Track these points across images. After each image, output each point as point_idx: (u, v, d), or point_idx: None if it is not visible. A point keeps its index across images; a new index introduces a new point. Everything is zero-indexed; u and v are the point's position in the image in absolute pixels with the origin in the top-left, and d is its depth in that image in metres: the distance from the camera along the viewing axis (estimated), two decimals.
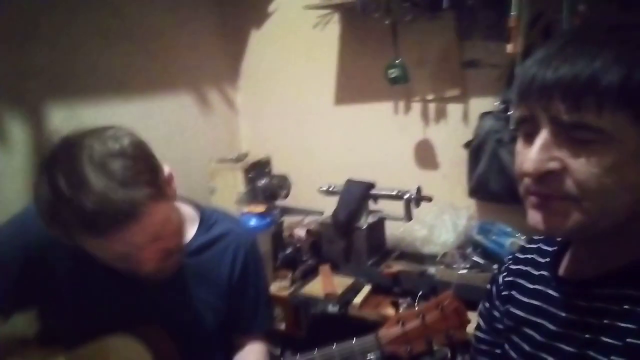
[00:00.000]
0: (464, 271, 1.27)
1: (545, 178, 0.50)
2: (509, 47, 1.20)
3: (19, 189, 1.21)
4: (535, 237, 0.70)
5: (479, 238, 1.36)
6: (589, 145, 0.47)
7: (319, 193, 1.57)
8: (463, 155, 1.51)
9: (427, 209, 1.48)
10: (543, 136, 0.49)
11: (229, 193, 1.63)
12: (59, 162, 0.72)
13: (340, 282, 1.38)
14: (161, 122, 1.67)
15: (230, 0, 1.89)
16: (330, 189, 1.54)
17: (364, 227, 1.45)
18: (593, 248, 0.56)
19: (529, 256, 0.68)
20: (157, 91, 1.66)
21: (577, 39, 0.49)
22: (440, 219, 1.48)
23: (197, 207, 1.00)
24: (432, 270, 1.35)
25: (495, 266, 1.22)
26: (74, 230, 0.72)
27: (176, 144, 1.72)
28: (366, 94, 1.72)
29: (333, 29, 1.72)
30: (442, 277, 1.29)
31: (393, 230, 1.55)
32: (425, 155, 1.66)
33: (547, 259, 0.64)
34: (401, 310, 0.83)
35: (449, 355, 0.80)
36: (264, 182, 1.63)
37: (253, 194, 1.62)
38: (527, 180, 0.52)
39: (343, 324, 1.29)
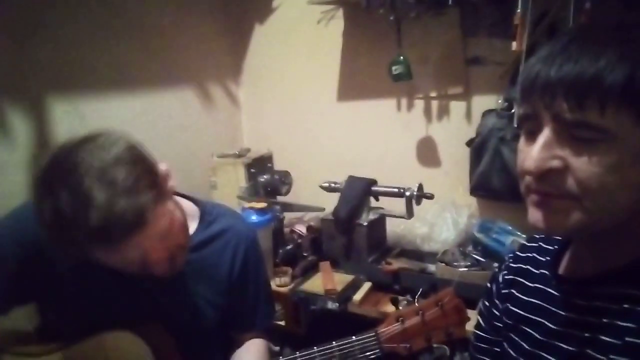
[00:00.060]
0: (464, 269, 1.27)
1: (547, 176, 0.49)
2: (514, 45, 1.19)
3: (20, 182, 1.21)
4: (536, 236, 0.70)
5: (480, 236, 1.36)
6: (591, 144, 0.47)
7: (320, 189, 1.57)
8: (465, 153, 1.50)
9: (428, 207, 1.48)
10: (545, 134, 0.49)
11: (230, 188, 1.63)
12: (55, 181, 0.69)
13: (341, 279, 1.38)
14: (163, 117, 1.67)
15: None
16: (332, 186, 1.54)
17: (365, 224, 1.45)
18: (593, 247, 0.56)
19: (530, 255, 0.68)
20: (159, 86, 1.66)
21: (581, 38, 0.49)
22: (441, 217, 1.48)
23: (197, 202, 1.00)
24: (432, 267, 1.35)
25: (495, 264, 1.22)
26: (84, 245, 0.71)
27: (178, 140, 1.72)
28: (369, 90, 1.72)
29: (337, 25, 1.71)
30: (442, 274, 1.29)
31: (394, 227, 1.55)
32: (427, 153, 1.65)
33: (548, 258, 0.64)
34: (401, 307, 0.83)
35: (448, 353, 0.80)
36: (266, 178, 1.63)
37: (254, 190, 1.62)
38: (528, 178, 0.52)
39: (343, 321, 1.29)
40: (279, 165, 1.76)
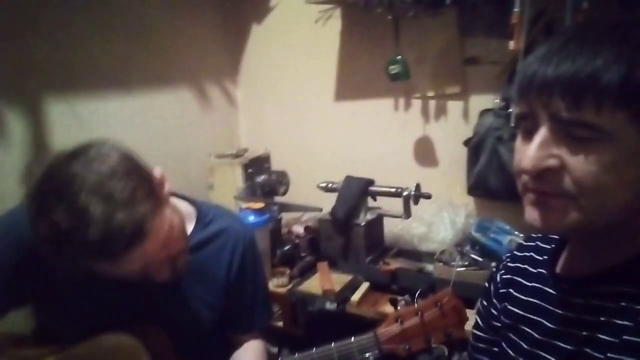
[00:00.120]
0: (462, 269, 1.27)
1: (544, 175, 0.50)
2: (511, 44, 1.19)
3: (16, 183, 1.21)
4: (533, 235, 0.70)
5: (477, 235, 1.36)
6: (587, 143, 0.47)
7: (317, 189, 1.56)
8: (462, 152, 1.50)
9: (426, 206, 1.48)
10: (542, 133, 0.49)
11: (227, 189, 1.63)
12: (50, 197, 0.68)
13: (338, 279, 1.38)
14: (160, 117, 1.67)
15: None
16: (329, 186, 1.54)
17: (363, 224, 1.44)
18: (590, 246, 0.57)
19: (527, 254, 0.68)
20: (157, 86, 1.66)
21: (578, 37, 0.49)
22: (439, 217, 1.48)
23: (194, 203, 0.99)
24: (430, 267, 1.35)
25: (493, 264, 1.22)
26: (84, 260, 0.70)
27: (175, 140, 1.72)
28: (366, 90, 1.72)
29: (334, 24, 1.71)
30: (440, 274, 1.29)
31: (391, 227, 1.55)
32: (425, 152, 1.65)
33: (545, 257, 0.65)
34: (399, 308, 0.83)
35: (446, 353, 0.79)
36: (263, 178, 1.63)
37: (252, 190, 1.61)
38: (525, 177, 0.52)
39: (341, 321, 1.29)
40: (276, 165, 1.75)
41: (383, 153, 1.71)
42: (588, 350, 0.52)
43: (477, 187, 1.46)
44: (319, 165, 1.80)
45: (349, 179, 1.51)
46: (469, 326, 0.79)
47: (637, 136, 0.46)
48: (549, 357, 0.57)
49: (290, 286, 1.41)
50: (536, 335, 0.59)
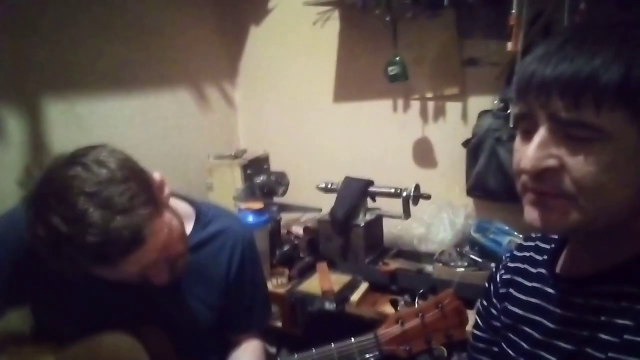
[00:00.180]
0: (462, 269, 1.27)
1: (543, 175, 0.50)
2: (509, 45, 1.20)
3: (15, 183, 1.21)
4: (533, 235, 0.70)
5: (477, 236, 1.36)
6: (586, 143, 0.47)
7: (317, 190, 1.56)
8: (461, 153, 1.50)
9: (425, 207, 1.48)
10: (541, 133, 0.49)
11: (226, 190, 1.63)
12: (49, 201, 0.68)
13: (338, 280, 1.38)
14: (159, 118, 1.66)
15: None
16: (329, 187, 1.54)
17: (362, 224, 1.44)
18: (590, 246, 0.57)
19: (527, 254, 0.68)
20: (156, 87, 1.66)
21: (577, 37, 0.49)
22: (438, 217, 1.48)
23: (193, 203, 0.99)
24: (429, 268, 1.35)
25: (492, 265, 1.22)
26: (82, 264, 0.70)
27: (174, 141, 1.72)
28: (365, 91, 1.72)
29: (332, 26, 1.71)
30: (439, 275, 1.29)
31: (390, 228, 1.55)
32: (424, 154, 1.65)
33: (545, 257, 0.65)
34: (400, 309, 0.83)
35: (445, 354, 0.79)
36: (262, 179, 1.62)
37: (250, 191, 1.61)
38: (524, 178, 0.52)
39: (340, 322, 1.29)
40: (275, 166, 1.75)
41: (382, 154, 1.71)
42: (589, 350, 0.52)
43: (476, 188, 1.46)
44: (318, 166, 1.80)
45: (348, 180, 1.51)
46: (469, 327, 0.79)
47: (637, 136, 0.46)
48: (550, 357, 0.56)
49: (289, 287, 1.41)
50: (536, 335, 0.59)
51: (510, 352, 0.63)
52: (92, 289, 0.85)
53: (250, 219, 1.41)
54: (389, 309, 1.22)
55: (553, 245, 0.64)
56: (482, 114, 1.45)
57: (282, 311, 1.42)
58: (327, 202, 1.52)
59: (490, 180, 1.40)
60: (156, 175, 0.79)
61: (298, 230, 1.63)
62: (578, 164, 0.48)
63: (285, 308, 1.41)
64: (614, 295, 0.52)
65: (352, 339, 0.80)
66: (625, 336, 0.49)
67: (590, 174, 0.47)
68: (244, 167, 1.64)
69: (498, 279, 0.71)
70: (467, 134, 1.50)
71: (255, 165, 1.68)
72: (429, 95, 1.60)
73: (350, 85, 1.75)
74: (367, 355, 0.78)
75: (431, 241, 1.46)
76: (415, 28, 1.52)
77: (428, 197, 1.40)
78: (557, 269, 0.61)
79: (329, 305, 1.29)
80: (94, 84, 1.46)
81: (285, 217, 1.65)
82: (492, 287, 0.73)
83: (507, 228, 1.35)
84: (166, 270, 0.81)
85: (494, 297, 0.71)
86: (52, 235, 0.67)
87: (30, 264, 0.82)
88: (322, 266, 1.45)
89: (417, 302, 0.81)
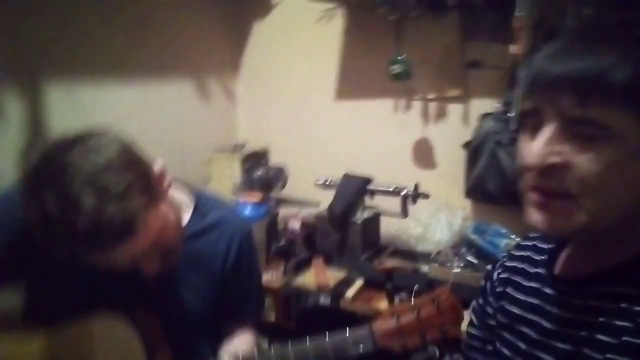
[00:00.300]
0: (458, 270, 1.27)
1: (548, 172, 0.49)
2: (514, 49, 1.20)
3: (13, 166, 1.20)
4: (531, 235, 0.70)
5: (474, 238, 1.37)
6: (593, 141, 0.47)
7: (315, 186, 1.56)
8: (461, 155, 1.51)
9: (423, 207, 1.48)
10: (548, 130, 0.49)
11: (225, 182, 1.62)
12: (44, 183, 0.67)
13: (333, 275, 1.38)
14: (160, 108, 1.66)
15: None
16: (327, 183, 1.54)
17: (359, 221, 1.45)
18: (590, 246, 0.56)
19: (525, 253, 0.68)
20: (158, 78, 1.65)
21: (587, 35, 0.49)
22: (436, 218, 1.48)
23: (193, 192, 0.99)
24: (425, 268, 1.35)
25: (489, 266, 1.23)
26: (72, 248, 0.70)
27: (174, 132, 1.71)
28: (367, 89, 1.72)
29: (336, 23, 1.71)
30: (435, 275, 1.29)
31: (388, 227, 1.55)
32: (424, 154, 1.66)
33: (543, 257, 0.64)
34: (396, 304, 0.83)
35: (437, 354, 0.79)
36: (260, 173, 1.62)
37: (249, 185, 1.61)
38: (529, 175, 0.52)
39: (334, 317, 1.29)
40: (275, 161, 1.75)
41: (382, 153, 1.71)
42: (587, 351, 0.52)
43: (475, 191, 1.46)
44: (317, 161, 1.80)
45: (347, 177, 1.51)
46: (464, 326, 0.79)
47: None
48: (547, 357, 0.56)
49: (284, 280, 1.41)
50: (534, 336, 0.59)
51: (505, 351, 0.63)
52: (85, 273, 0.84)
53: (248, 211, 1.41)
54: (384, 305, 1.22)
55: (552, 246, 0.64)
56: (484, 116, 1.46)
57: (276, 305, 1.42)
58: (325, 199, 1.52)
59: (490, 183, 1.41)
60: (157, 165, 0.78)
61: (295, 225, 1.63)
62: (583, 162, 0.47)
63: (280, 302, 1.41)
64: (613, 297, 0.52)
65: (347, 331, 0.79)
66: (624, 338, 0.49)
67: (595, 172, 0.47)
68: (243, 161, 1.64)
69: (495, 277, 0.71)
70: (467, 136, 1.50)
71: (254, 159, 1.68)
72: (431, 96, 1.61)
73: (352, 83, 1.75)
74: (361, 347, 0.78)
75: (428, 241, 1.46)
76: (418, 29, 1.52)
77: (427, 196, 1.41)
78: (556, 270, 0.61)
79: (324, 300, 1.29)
80: (96, 72, 1.45)
81: (283, 211, 1.65)
82: (488, 285, 0.72)
83: (504, 231, 1.35)
84: (158, 261, 0.80)
85: (490, 295, 0.71)
86: (43, 217, 0.67)
87: (26, 244, 0.81)
88: (318, 261, 1.45)
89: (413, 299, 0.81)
